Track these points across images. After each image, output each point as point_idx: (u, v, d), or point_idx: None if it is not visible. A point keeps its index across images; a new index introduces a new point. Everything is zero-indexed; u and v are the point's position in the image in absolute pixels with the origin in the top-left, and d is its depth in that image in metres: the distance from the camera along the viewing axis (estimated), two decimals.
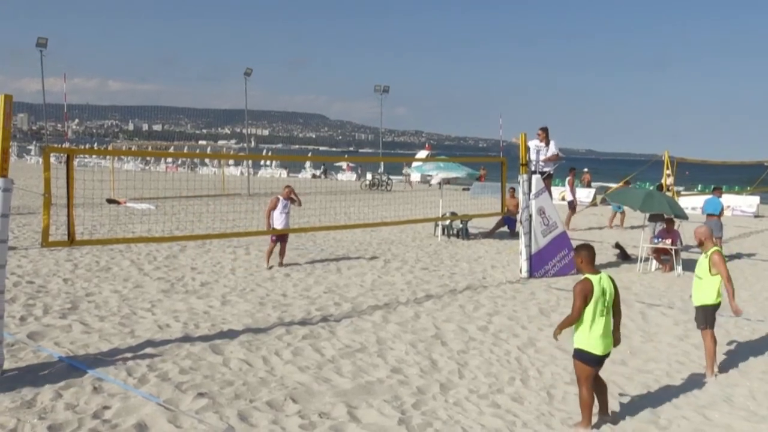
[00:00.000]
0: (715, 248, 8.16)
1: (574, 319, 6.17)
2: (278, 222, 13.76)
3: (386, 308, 10.68)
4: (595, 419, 6.48)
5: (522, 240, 13.77)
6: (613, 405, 6.98)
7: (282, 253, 13.94)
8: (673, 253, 14.95)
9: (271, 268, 13.57)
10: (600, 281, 6.18)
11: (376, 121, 55.42)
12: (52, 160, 7.91)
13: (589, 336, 6.15)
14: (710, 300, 8.15)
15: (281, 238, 13.82)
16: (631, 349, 8.94)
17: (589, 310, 6.13)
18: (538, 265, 13.74)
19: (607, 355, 6.29)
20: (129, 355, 7.86)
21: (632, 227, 22.60)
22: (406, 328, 9.55)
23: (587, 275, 6.21)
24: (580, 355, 6.24)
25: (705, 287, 8.16)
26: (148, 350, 8.04)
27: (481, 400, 7.00)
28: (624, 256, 16.41)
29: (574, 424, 6.39)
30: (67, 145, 42.85)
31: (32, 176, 37.07)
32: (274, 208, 13.84)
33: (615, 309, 6.34)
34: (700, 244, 8.31)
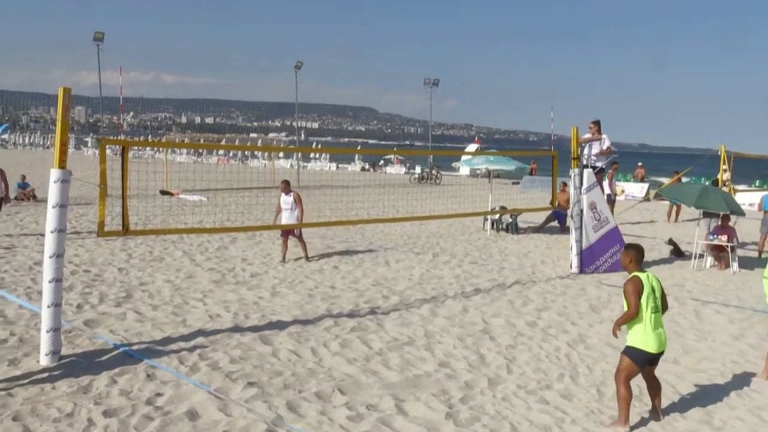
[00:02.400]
0: None
1: (632, 315, 6.13)
2: (283, 218, 13.65)
3: (434, 302, 10.66)
4: (637, 418, 6.38)
5: (572, 235, 13.60)
6: (665, 403, 6.86)
7: (303, 248, 13.75)
8: (728, 250, 14.59)
9: (282, 262, 13.40)
10: (648, 279, 6.19)
11: (426, 114, 55.29)
12: (108, 152, 8.07)
13: (644, 334, 6.12)
14: None
15: (290, 233, 13.62)
16: (684, 348, 8.77)
17: (641, 308, 6.11)
18: (588, 260, 13.55)
19: (661, 354, 6.23)
20: (181, 343, 8.01)
21: (689, 220, 22.13)
22: (454, 322, 9.52)
23: (637, 273, 6.21)
24: (632, 353, 6.20)
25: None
26: (200, 339, 8.18)
27: (530, 395, 6.94)
28: (677, 253, 16.07)
29: (611, 423, 6.29)
30: (122, 137, 43.77)
31: (89, 168, 37.96)
32: (279, 211, 13.77)
33: (663, 308, 6.34)
34: None
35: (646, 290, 6.11)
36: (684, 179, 23.90)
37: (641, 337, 6.14)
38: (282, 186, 13.93)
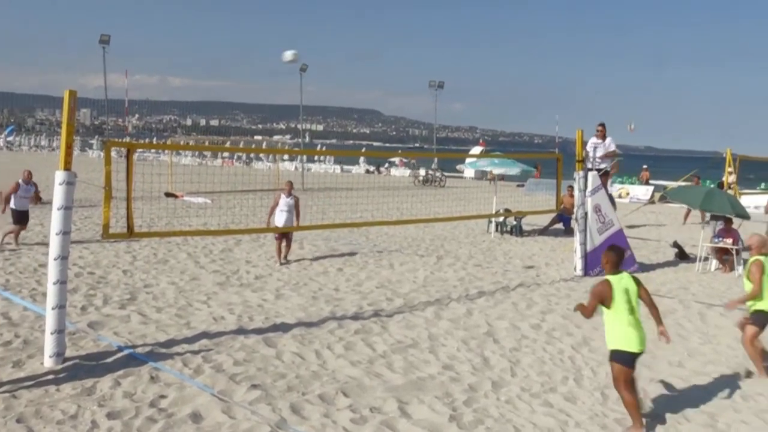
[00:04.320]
0: (755, 258, 8.02)
1: (586, 316, 6.44)
2: (280, 220, 13.63)
3: (438, 304, 10.65)
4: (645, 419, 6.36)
5: (577, 238, 13.58)
6: (671, 406, 6.84)
7: (287, 248, 13.75)
8: (733, 253, 14.55)
9: (284, 263, 13.43)
10: (620, 281, 6.29)
11: (431, 116, 55.39)
12: (113, 154, 8.09)
13: (622, 334, 6.21)
14: (763, 306, 7.96)
15: (285, 234, 13.63)
16: (689, 351, 8.74)
17: (617, 310, 6.21)
18: (593, 263, 13.52)
19: (641, 353, 6.27)
20: (185, 346, 8.01)
21: (694, 223, 22.07)
22: (458, 325, 9.51)
23: (607, 276, 6.34)
24: (618, 357, 6.26)
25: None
26: (204, 342, 8.19)
27: (534, 398, 6.93)
28: (682, 256, 16.02)
29: (626, 429, 6.27)
30: (127, 139, 43.88)
31: (94, 170, 37.98)
32: (276, 205, 13.71)
33: (648, 304, 6.41)
34: (749, 249, 8.32)
35: (617, 292, 6.20)
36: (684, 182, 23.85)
37: (623, 338, 6.20)
38: (287, 186, 13.94)
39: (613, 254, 6.43)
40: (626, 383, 6.25)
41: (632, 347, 6.18)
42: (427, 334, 9.02)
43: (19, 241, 14.11)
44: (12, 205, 14.19)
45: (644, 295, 6.41)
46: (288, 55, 9.94)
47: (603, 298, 6.23)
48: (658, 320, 6.46)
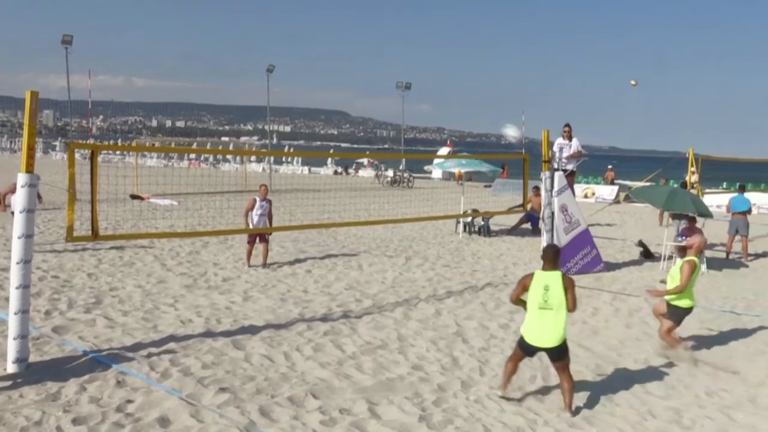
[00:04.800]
0: (691, 258, 8.59)
1: (511, 300, 7.15)
2: (255, 223, 13.47)
3: (407, 305, 10.67)
4: (607, 418, 6.45)
5: (544, 237, 13.70)
6: (636, 404, 6.94)
7: (265, 253, 13.52)
8: None
9: (251, 267, 13.20)
10: (545, 277, 6.67)
11: (398, 117, 55.37)
12: (77, 156, 7.97)
13: (526, 324, 6.74)
14: (683, 303, 8.55)
15: (260, 238, 13.45)
16: (654, 349, 8.85)
17: (530, 301, 6.67)
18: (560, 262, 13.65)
19: (541, 349, 6.65)
20: (152, 349, 7.92)
21: (664, 222, 22.39)
22: (427, 325, 9.54)
23: (538, 270, 6.82)
24: (519, 338, 6.86)
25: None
26: (171, 345, 8.10)
27: (503, 398, 6.97)
28: (647, 255, 16.25)
29: (498, 387, 7.00)
30: (91, 141, 43.25)
31: (57, 172, 37.39)
32: (251, 209, 13.51)
33: (569, 299, 6.65)
34: (689, 248, 8.83)
35: (535, 286, 6.65)
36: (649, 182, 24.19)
37: (525, 326, 6.73)
38: (261, 190, 13.70)
39: (548, 252, 6.91)
40: (513, 357, 6.92)
41: (527, 337, 6.67)
42: (396, 334, 9.03)
43: None
44: None
45: (569, 296, 6.65)
46: None
47: (525, 286, 6.77)
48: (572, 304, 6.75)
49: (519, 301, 6.95)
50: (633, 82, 24.84)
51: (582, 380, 7.55)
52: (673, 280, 8.54)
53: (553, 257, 6.79)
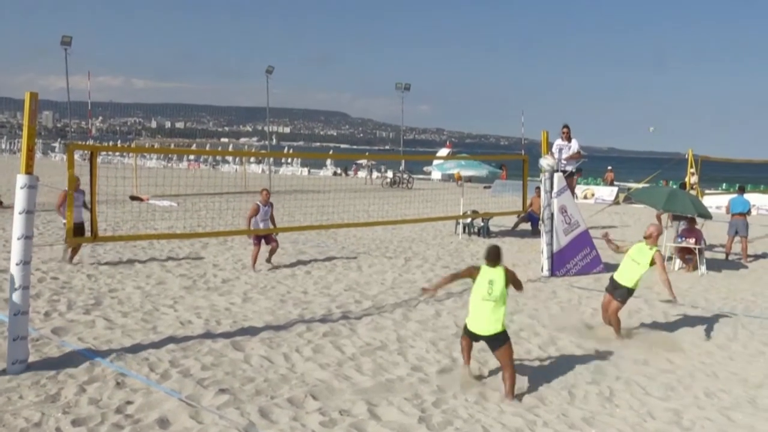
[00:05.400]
0: (654, 247, 9.29)
1: (449, 279, 7.77)
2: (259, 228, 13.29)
3: (407, 306, 10.68)
4: (606, 419, 6.44)
5: (543, 238, 13.71)
6: (636, 405, 6.94)
7: (273, 251, 13.50)
8: (696, 252, 14.80)
9: (258, 270, 13.05)
10: (490, 272, 7.21)
11: (398, 118, 55.43)
12: (76, 157, 7.99)
13: (469, 311, 7.32)
14: (632, 284, 9.25)
15: (266, 239, 13.34)
16: (654, 349, 8.86)
17: (474, 292, 7.21)
18: (559, 263, 13.67)
19: (481, 337, 7.17)
20: (151, 350, 7.92)
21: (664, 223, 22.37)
22: (426, 326, 9.54)
23: (484, 265, 7.30)
24: (463, 325, 7.47)
25: (639, 272, 9.21)
26: (171, 346, 8.10)
27: (502, 399, 6.97)
28: None
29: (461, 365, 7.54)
30: (90, 142, 43.28)
31: (57, 173, 37.45)
32: (255, 214, 13.26)
33: (516, 287, 7.41)
34: (649, 237, 9.38)
35: (482, 279, 7.17)
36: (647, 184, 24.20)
37: (469, 314, 7.32)
38: (263, 195, 13.44)
39: (492, 251, 7.36)
40: (462, 340, 7.48)
41: (470, 325, 7.25)
42: (395, 335, 9.03)
43: None
44: None
45: (516, 286, 7.40)
46: None
47: (471, 275, 7.32)
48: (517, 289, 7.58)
49: (452, 280, 7.72)
50: (651, 129, 25.45)
51: (581, 381, 7.57)
52: (636, 262, 9.23)
53: (495, 256, 7.30)
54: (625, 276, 9.28)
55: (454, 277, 7.72)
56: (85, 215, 12.17)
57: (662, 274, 9.06)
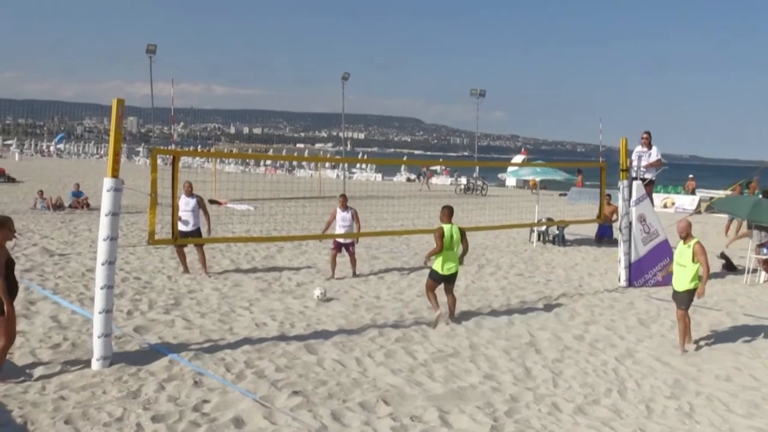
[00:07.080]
0: (697, 239, 9.08)
1: (436, 252, 9.76)
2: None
3: (480, 313, 10.59)
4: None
5: (621, 248, 13.39)
6: (717, 422, 6.70)
7: (353, 263, 13.27)
8: None
9: (335, 278, 12.87)
10: (450, 229, 9.83)
11: (472, 124, 55.67)
12: (159, 161, 8.23)
13: (438, 261, 9.80)
14: (693, 285, 9.02)
15: (345, 245, 13.09)
16: (737, 365, 8.53)
17: (444, 247, 9.69)
18: (637, 273, 13.32)
19: (450, 276, 9.93)
20: (228, 351, 8.09)
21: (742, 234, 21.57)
22: (499, 334, 9.45)
23: (442, 225, 9.87)
24: (431, 273, 9.98)
25: (688, 274, 9.00)
26: (246, 347, 8.26)
27: (576, 410, 6.84)
28: (730, 267, 15.68)
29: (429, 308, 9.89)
30: (172, 147, 44.57)
31: (140, 177, 38.72)
32: (333, 219, 13.10)
33: (464, 245, 10.11)
34: (684, 236, 9.13)
35: (446, 236, 9.72)
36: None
37: (438, 263, 9.81)
38: (340, 201, 13.17)
39: (447, 210, 9.99)
40: (430, 288, 9.96)
41: (441, 270, 9.81)
42: (468, 343, 8.97)
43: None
44: None
45: (464, 243, 10.09)
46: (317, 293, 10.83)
47: (442, 236, 9.67)
48: (464, 252, 10.23)
49: (441, 249, 9.74)
50: None
51: (659, 395, 7.35)
52: (681, 266, 9.07)
53: (449, 213, 9.97)
54: (678, 282, 9.16)
55: (440, 245, 9.72)
56: (201, 219, 12.82)
57: (703, 266, 8.91)
